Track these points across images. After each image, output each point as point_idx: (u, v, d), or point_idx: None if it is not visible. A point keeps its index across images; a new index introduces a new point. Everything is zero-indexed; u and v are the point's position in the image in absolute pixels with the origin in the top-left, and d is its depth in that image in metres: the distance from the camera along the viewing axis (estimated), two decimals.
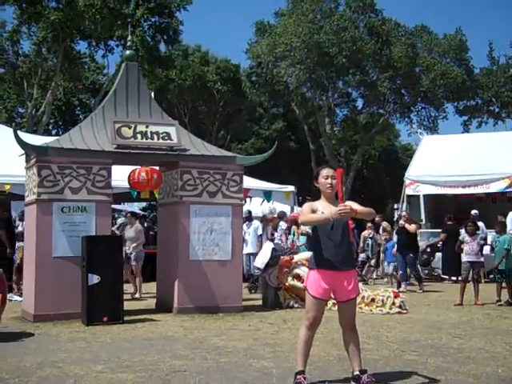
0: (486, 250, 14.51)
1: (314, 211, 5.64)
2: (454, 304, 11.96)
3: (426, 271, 17.80)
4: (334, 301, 6.31)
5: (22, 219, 14.78)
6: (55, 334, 8.52)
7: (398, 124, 48.13)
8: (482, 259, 12.78)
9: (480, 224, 15.18)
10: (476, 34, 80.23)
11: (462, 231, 13.58)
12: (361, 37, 32.56)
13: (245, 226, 14.76)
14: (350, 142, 42.07)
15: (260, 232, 15.44)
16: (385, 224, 17.24)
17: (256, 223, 15.76)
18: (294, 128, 43.26)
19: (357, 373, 5.70)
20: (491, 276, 14.52)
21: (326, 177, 5.72)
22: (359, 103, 38.74)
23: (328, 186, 5.69)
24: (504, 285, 12.14)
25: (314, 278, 5.63)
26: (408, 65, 33.38)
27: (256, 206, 17.15)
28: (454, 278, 16.12)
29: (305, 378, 5.55)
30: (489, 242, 13.94)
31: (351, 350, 5.79)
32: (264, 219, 15.89)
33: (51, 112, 33.67)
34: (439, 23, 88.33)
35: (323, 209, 5.62)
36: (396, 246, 15.02)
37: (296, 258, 11.83)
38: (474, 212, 16.89)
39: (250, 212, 15.74)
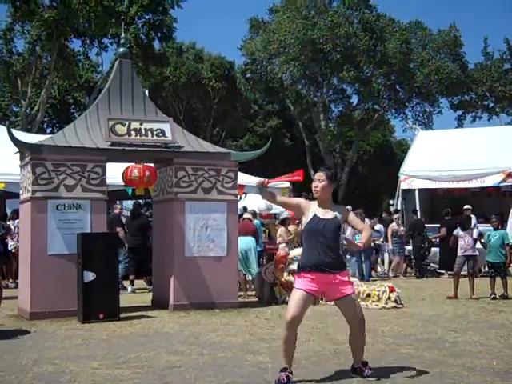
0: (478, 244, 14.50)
1: (301, 208, 5.79)
2: (447, 297, 12.02)
3: (423, 266, 17.86)
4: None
5: (14, 218, 14.86)
6: (51, 331, 8.53)
7: (392, 120, 48.27)
8: (477, 253, 12.83)
9: (472, 217, 15.29)
10: (470, 30, 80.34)
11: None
12: (355, 33, 32.57)
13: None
14: (345, 138, 42.11)
15: None
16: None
17: None
18: (289, 125, 43.27)
19: (358, 365, 5.75)
20: (485, 270, 14.55)
21: (314, 180, 5.85)
22: (354, 99, 38.80)
23: (314, 189, 5.81)
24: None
25: (301, 279, 5.67)
26: (402, 60, 33.42)
27: (251, 202, 17.15)
28: (450, 273, 16.16)
29: (287, 376, 5.54)
30: (474, 235, 13.93)
31: (355, 346, 5.85)
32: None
33: (46, 110, 33.57)
34: (433, 19, 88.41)
35: (316, 211, 5.74)
36: None
37: (292, 253, 11.85)
38: (466, 207, 16.93)
39: (245, 208, 15.74)
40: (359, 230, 6.12)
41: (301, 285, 5.62)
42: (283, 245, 12.44)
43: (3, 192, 14.81)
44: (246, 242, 12.38)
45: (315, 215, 5.72)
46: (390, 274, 17.41)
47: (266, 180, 5.87)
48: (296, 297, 5.58)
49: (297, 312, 5.52)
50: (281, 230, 12.86)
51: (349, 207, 10.83)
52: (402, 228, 17.23)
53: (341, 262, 5.84)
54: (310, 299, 5.63)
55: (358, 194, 46.92)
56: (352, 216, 6.07)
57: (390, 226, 17.24)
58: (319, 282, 5.60)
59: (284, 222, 13.05)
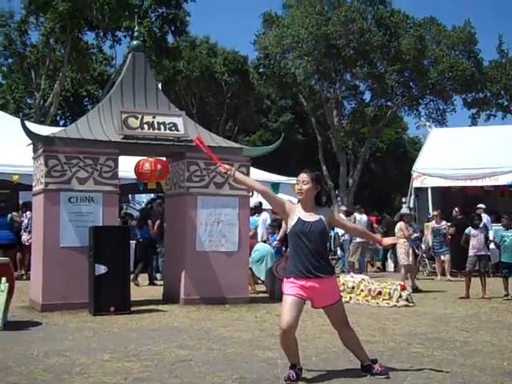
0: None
1: (286, 209, 5.68)
2: (458, 297, 11.95)
3: (434, 265, 17.74)
4: None
5: (23, 210, 14.93)
6: (62, 323, 8.56)
7: (406, 117, 47.85)
8: (489, 252, 12.73)
9: (484, 216, 15.18)
10: (485, 27, 79.72)
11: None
12: (369, 28, 32.40)
13: (255, 217, 14.82)
14: (358, 135, 41.95)
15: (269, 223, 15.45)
16: None
17: (265, 215, 15.74)
18: (302, 120, 43.15)
19: (368, 363, 5.72)
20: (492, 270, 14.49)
21: (297, 182, 5.75)
22: (367, 96, 38.58)
23: (297, 191, 5.72)
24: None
25: (289, 284, 5.58)
26: (416, 57, 33.21)
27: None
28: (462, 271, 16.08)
29: (296, 373, 5.51)
30: (491, 237, 13.86)
31: (353, 347, 5.82)
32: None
33: (59, 103, 33.70)
34: (448, 15, 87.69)
35: (300, 214, 5.65)
36: None
37: None
38: (480, 206, 16.84)
39: (260, 203, 15.72)
40: (350, 228, 6.23)
41: (290, 291, 5.52)
42: (403, 240, 12.96)
43: (17, 184, 14.88)
44: (269, 249, 12.88)
45: (300, 218, 5.60)
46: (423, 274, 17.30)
47: (232, 169, 5.77)
48: (288, 304, 5.47)
49: (291, 319, 5.42)
50: (400, 224, 13.38)
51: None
52: (443, 225, 16.65)
53: (328, 266, 5.72)
54: (301, 303, 5.53)
55: (370, 191, 46.82)
56: (337, 216, 6.10)
57: (429, 224, 17.01)
58: (306, 289, 5.50)
59: (402, 218, 13.48)
